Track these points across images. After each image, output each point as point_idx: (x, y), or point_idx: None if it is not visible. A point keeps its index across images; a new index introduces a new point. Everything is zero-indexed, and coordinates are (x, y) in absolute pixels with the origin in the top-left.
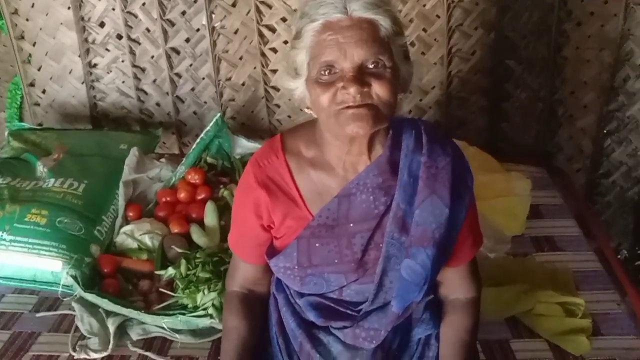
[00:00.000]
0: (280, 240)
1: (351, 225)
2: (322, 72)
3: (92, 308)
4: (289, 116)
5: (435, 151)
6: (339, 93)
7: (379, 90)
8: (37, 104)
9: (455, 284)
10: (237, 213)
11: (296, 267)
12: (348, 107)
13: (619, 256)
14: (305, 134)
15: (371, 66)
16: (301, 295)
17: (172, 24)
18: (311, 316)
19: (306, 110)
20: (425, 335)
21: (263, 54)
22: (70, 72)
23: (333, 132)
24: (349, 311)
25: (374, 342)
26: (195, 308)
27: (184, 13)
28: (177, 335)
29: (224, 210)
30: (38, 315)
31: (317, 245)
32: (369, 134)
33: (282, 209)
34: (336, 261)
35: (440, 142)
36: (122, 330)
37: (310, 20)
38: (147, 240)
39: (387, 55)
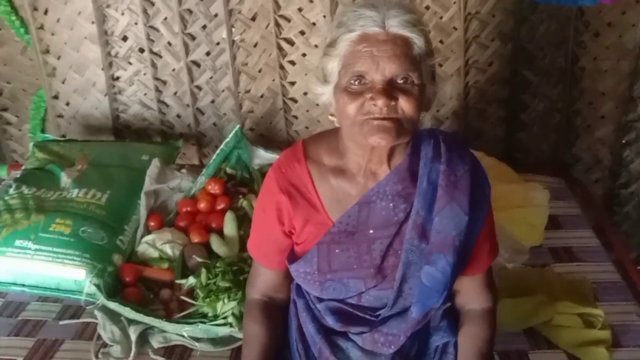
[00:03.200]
0: (301, 246)
1: (371, 231)
2: (353, 82)
3: (114, 316)
4: (307, 127)
5: (453, 160)
6: (367, 104)
7: (405, 105)
8: (61, 116)
9: (471, 294)
10: (259, 218)
11: (316, 272)
12: (373, 118)
13: (638, 267)
14: (326, 141)
15: (400, 81)
16: (320, 300)
17: (193, 38)
18: (330, 321)
19: (330, 117)
20: (442, 343)
21: (282, 67)
22: (93, 85)
23: (355, 140)
24: (367, 316)
25: (393, 347)
26: (215, 317)
27: (204, 27)
28: (197, 344)
29: (243, 220)
30: (61, 323)
31: (337, 251)
32: (390, 145)
33: (303, 214)
34: (355, 267)
35: (459, 151)
36: (143, 338)
37: (347, 30)
38: (168, 249)
39: (417, 73)
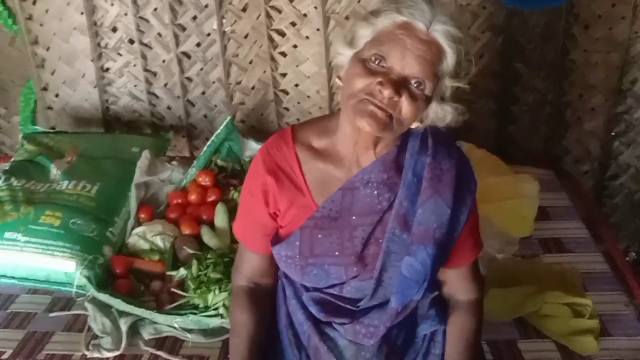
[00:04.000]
0: (284, 229)
1: (353, 218)
2: (373, 59)
3: (104, 308)
4: (298, 119)
5: (440, 153)
6: (373, 85)
7: (405, 106)
8: (51, 108)
9: (457, 286)
10: (245, 200)
11: (298, 256)
12: (371, 102)
13: (627, 258)
14: (316, 126)
15: (413, 84)
16: (306, 289)
17: (183, 29)
18: (314, 311)
19: (336, 80)
20: (430, 331)
21: (273, 58)
22: (83, 76)
23: (346, 113)
24: (349, 307)
25: (373, 338)
26: (207, 308)
27: (195, 18)
28: (188, 335)
29: (233, 212)
30: (52, 315)
31: (319, 236)
32: (374, 135)
33: (288, 196)
34: (337, 253)
35: (446, 145)
36: (134, 329)
37: (396, 10)
38: (158, 241)
39: (432, 85)
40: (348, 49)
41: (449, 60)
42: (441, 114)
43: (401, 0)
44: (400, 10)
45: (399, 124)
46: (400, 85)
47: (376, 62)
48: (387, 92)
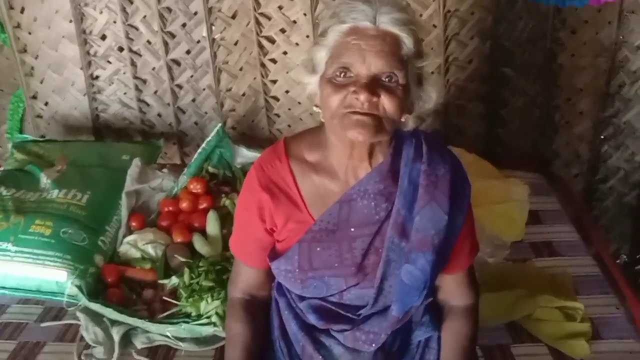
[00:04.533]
0: (282, 244)
1: (352, 230)
2: (338, 74)
3: (96, 317)
4: (289, 125)
5: (434, 160)
6: (349, 97)
7: (386, 104)
8: (40, 116)
9: (453, 291)
10: (240, 216)
11: (297, 270)
12: (354, 112)
13: (617, 261)
14: (309, 139)
15: (385, 79)
16: (302, 298)
17: (173, 36)
18: (312, 319)
19: (314, 108)
20: (425, 337)
21: (263, 65)
22: (72, 85)
23: (335, 133)
24: (349, 314)
25: (374, 345)
26: (199, 316)
27: (184, 25)
28: (181, 344)
29: (225, 219)
30: (43, 325)
31: (318, 249)
32: (369, 142)
33: (284, 212)
34: (336, 265)
35: (440, 151)
36: (126, 339)
37: (339, 21)
38: (150, 249)
39: (403, 72)
40: (312, 76)
41: (408, 43)
42: (425, 96)
43: (340, 11)
44: (342, 19)
45: (389, 121)
46: (373, 85)
47: (342, 75)
48: (363, 97)
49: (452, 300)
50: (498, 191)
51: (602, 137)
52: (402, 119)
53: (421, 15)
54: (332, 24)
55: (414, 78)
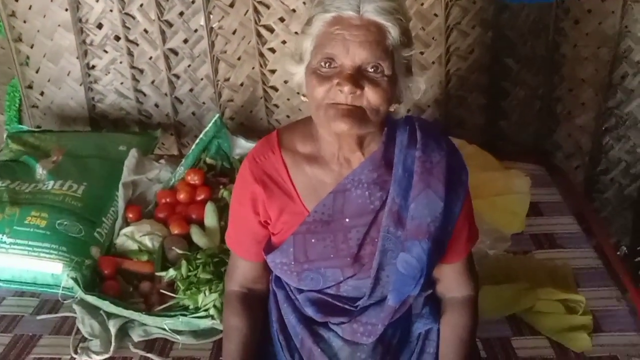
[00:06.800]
0: (277, 236)
1: (347, 220)
2: (322, 64)
3: (93, 310)
4: (288, 116)
5: (429, 146)
6: (333, 89)
7: (371, 96)
8: (36, 106)
9: (451, 282)
10: (235, 210)
11: (292, 262)
12: (338, 104)
13: (618, 253)
14: (301, 129)
15: (370, 70)
16: (300, 291)
17: (170, 25)
18: (310, 312)
19: (302, 97)
20: (425, 330)
21: (261, 54)
22: (68, 74)
23: (321, 124)
24: (347, 306)
25: (372, 337)
26: (197, 309)
27: (181, 14)
28: (178, 337)
29: (223, 211)
30: (39, 317)
31: (313, 240)
32: (356, 134)
33: (278, 204)
34: (332, 256)
35: (435, 137)
36: (123, 332)
37: (323, 10)
38: (147, 241)
39: (388, 63)
40: (299, 65)
41: (393, 33)
42: (413, 86)
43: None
44: (326, 9)
45: (374, 113)
46: (357, 77)
47: (327, 65)
48: (347, 89)
49: (451, 291)
50: (499, 183)
51: (603, 128)
52: (392, 109)
53: (422, 4)
54: (316, 12)
55: (401, 68)
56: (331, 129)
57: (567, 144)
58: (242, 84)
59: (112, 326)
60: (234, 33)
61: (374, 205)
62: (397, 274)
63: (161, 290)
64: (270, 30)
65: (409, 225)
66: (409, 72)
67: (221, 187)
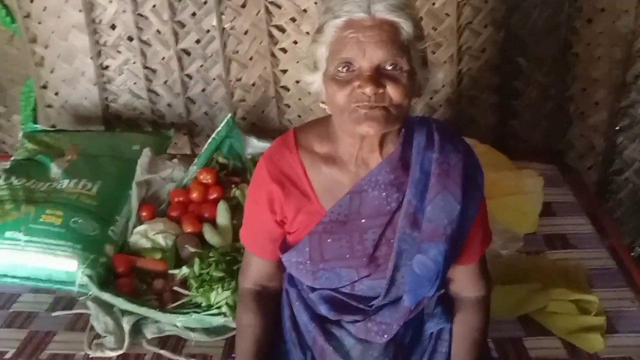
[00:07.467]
0: (293, 235)
1: (363, 221)
2: (340, 69)
3: (107, 307)
4: (299, 116)
5: (446, 148)
6: (355, 91)
7: (393, 93)
8: (50, 106)
9: (465, 282)
10: (251, 208)
11: (308, 262)
12: (362, 107)
13: (632, 254)
14: (318, 129)
15: (389, 68)
16: (313, 289)
17: (183, 26)
18: (323, 310)
19: (321, 105)
20: (437, 329)
21: (273, 55)
22: (82, 74)
23: (345, 128)
24: (361, 305)
25: (386, 336)
26: (209, 307)
27: (194, 14)
28: (191, 334)
29: (236, 210)
30: (54, 314)
31: (328, 240)
32: (380, 134)
33: (294, 203)
34: (348, 256)
35: (452, 139)
36: (136, 328)
37: (333, 16)
38: (160, 240)
39: (405, 58)
40: (315, 73)
41: (406, 28)
42: (432, 78)
43: (333, 5)
44: (336, 14)
45: (399, 109)
46: (377, 77)
47: (345, 70)
48: (369, 89)
49: (463, 291)
50: (511, 183)
51: (617, 128)
52: (412, 103)
53: (434, 4)
54: (327, 19)
55: (418, 61)
56: (356, 132)
57: (580, 143)
58: (254, 84)
59: (126, 323)
60: (245, 33)
61: (390, 206)
62: (413, 275)
63: (174, 288)
64: (282, 30)
65: (425, 227)
66: (425, 64)
67: (233, 186)
